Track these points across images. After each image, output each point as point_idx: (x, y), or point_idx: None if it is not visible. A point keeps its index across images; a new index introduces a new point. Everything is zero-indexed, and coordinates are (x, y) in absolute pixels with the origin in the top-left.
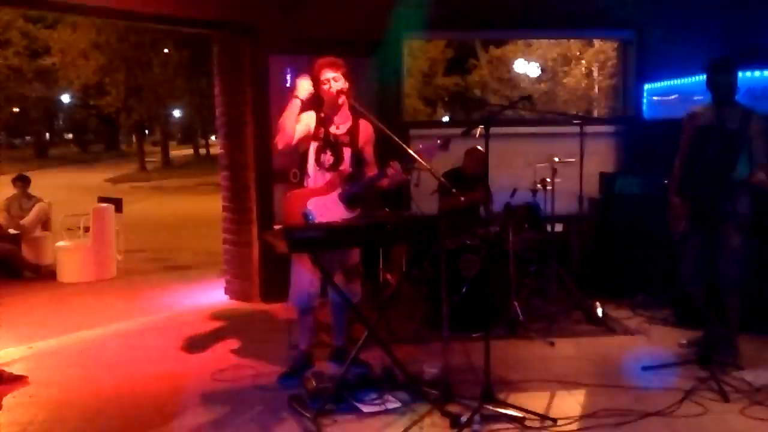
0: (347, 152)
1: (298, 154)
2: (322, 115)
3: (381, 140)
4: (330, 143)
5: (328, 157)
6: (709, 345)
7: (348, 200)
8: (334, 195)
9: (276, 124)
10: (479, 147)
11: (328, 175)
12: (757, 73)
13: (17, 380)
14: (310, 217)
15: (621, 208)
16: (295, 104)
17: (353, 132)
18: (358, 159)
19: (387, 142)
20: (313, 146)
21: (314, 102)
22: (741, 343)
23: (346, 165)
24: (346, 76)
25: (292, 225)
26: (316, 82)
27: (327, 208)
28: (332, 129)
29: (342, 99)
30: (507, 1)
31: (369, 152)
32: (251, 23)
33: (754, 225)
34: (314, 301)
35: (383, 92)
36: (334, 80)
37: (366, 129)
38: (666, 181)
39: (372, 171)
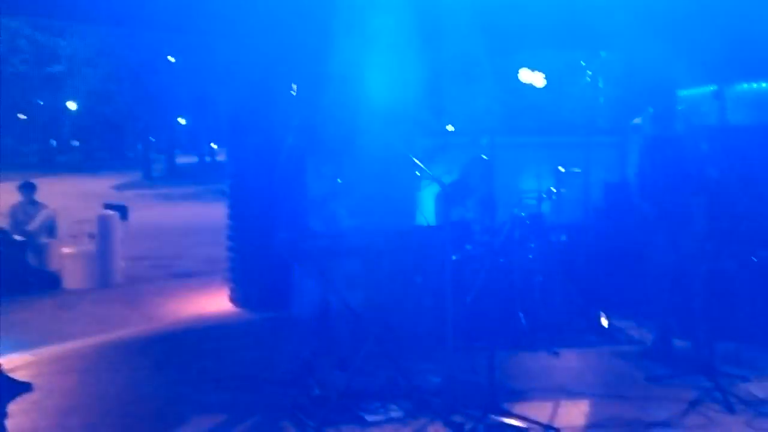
0: (348, 161)
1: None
2: None
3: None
4: (328, 155)
5: (328, 169)
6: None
7: (352, 209)
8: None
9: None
10: (482, 156)
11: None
12: (763, 85)
13: (22, 387)
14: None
15: (625, 218)
16: None
17: (350, 140)
18: (359, 167)
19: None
20: (311, 162)
21: None
22: (747, 354)
23: (348, 173)
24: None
25: (298, 234)
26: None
27: (332, 216)
28: (328, 140)
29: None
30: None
31: (368, 161)
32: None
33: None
34: (316, 309)
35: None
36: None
37: (366, 138)
38: None
39: None
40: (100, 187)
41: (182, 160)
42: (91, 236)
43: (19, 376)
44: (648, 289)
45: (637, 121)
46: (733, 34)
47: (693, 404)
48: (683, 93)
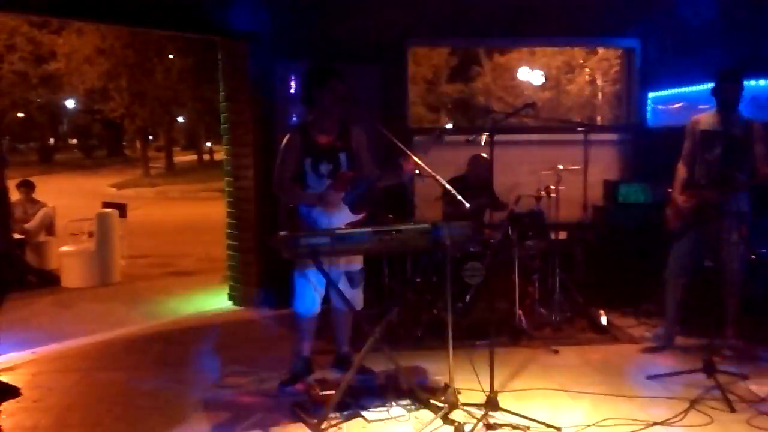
0: (343, 156)
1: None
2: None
3: (384, 144)
4: (324, 152)
5: (325, 166)
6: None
7: (352, 203)
8: (338, 199)
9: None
10: (483, 154)
11: (329, 182)
12: (762, 82)
13: (8, 391)
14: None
15: (625, 216)
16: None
17: (344, 137)
18: (354, 162)
19: (390, 146)
20: (308, 162)
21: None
22: (748, 354)
23: (344, 168)
24: (346, 85)
25: (297, 231)
26: (319, 89)
27: (332, 214)
28: (322, 138)
29: (340, 107)
30: (512, 9)
31: (365, 157)
32: (257, 29)
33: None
34: (316, 308)
35: (388, 99)
36: (338, 89)
37: (359, 135)
38: (669, 190)
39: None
40: (99, 185)
41: (181, 158)
42: (90, 234)
43: (19, 374)
44: (648, 287)
45: (698, 115)
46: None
47: (694, 403)
48: None
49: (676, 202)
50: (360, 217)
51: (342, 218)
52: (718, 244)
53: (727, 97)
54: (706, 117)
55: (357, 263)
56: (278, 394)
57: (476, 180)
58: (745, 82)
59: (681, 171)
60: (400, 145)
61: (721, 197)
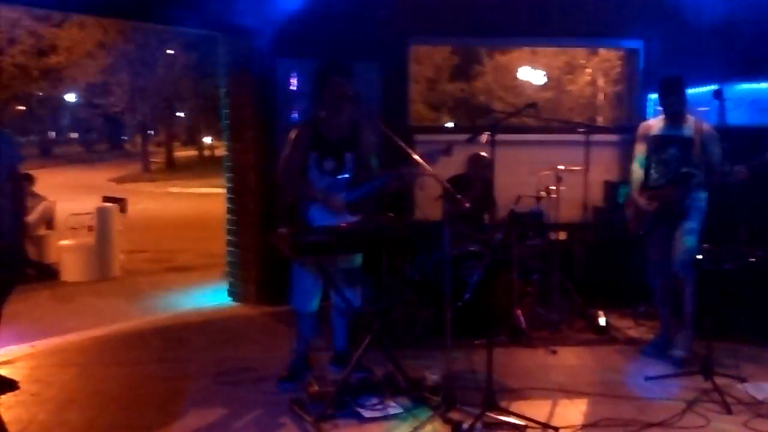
0: (349, 156)
1: (295, 168)
2: (322, 118)
3: (386, 145)
4: (331, 150)
5: (329, 163)
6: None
7: (352, 205)
8: (342, 204)
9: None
10: (482, 153)
11: (329, 179)
12: (763, 85)
13: (7, 384)
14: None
15: (625, 217)
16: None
17: (353, 136)
18: (360, 163)
19: (392, 146)
20: (313, 156)
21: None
22: (745, 355)
23: (348, 169)
24: (352, 81)
25: (297, 228)
26: (324, 85)
27: (329, 213)
28: (331, 134)
29: (346, 104)
30: (514, 9)
31: (371, 159)
32: (258, 26)
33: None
34: (315, 305)
35: (389, 97)
36: (342, 85)
37: (367, 136)
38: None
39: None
40: (99, 179)
41: (181, 153)
42: (89, 228)
43: (17, 367)
44: (647, 288)
45: (649, 121)
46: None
47: (691, 404)
48: None
49: (638, 204)
50: (357, 218)
51: (340, 218)
52: (677, 240)
53: (670, 108)
54: (657, 122)
55: (356, 262)
56: (277, 391)
57: (475, 178)
58: (747, 85)
59: (638, 173)
60: (401, 144)
61: (682, 195)
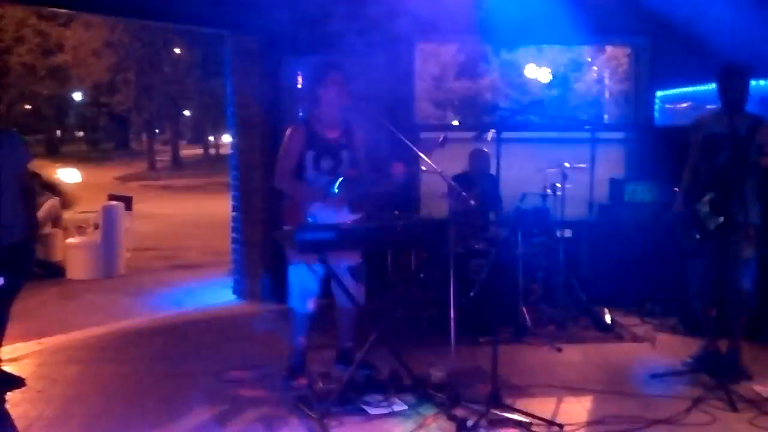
0: (345, 154)
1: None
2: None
3: (389, 140)
4: (327, 148)
5: (327, 162)
6: (712, 359)
7: (352, 203)
8: (341, 199)
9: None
10: (483, 148)
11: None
12: None
13: (13, 381)
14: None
15: (631, 215)
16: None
17: (349, 134)
18: (356, 161)
19: (395, 141)
20: (310, 155)
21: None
22: (750, 354)
23: (345, 167)
24: (348, 81)
25: (302, 226)
26: (320, 83)
27: (331, 211)
28: (326, 133)
29: (343, 102)
30: (521, 7)
31: (363, 156)
32: (265, 24)
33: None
34: (311, 306)
35: (395, 95)
36: (338, 83)
37: (360, 133)
38: (676, 189)
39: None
40: (105, 177)
41: (187, 151)
42: (95, 227)
43: (24, 364)
44: (653, 286)
45: (702, 118)
46: None
47: (696, 402)
48: None
49: (685, 218)
50: (358, 216)
51: (341, 216)
52: (728, 259)
53: (730, 96)
54: (710, 119)
55: (359, 258)
56: (281, 388)
57: (478, 174)
58: (755, 83)
59: (687, 181)
60: (406, 141)
61: (728, 208)
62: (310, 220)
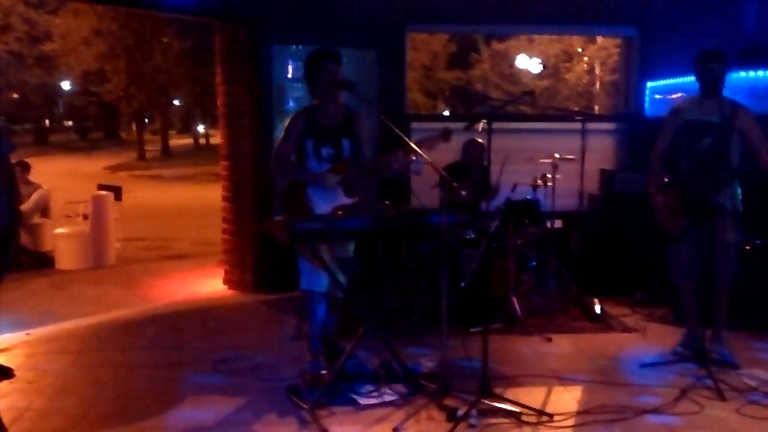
0: (346, 142)
1: (286, 156)
2: (316, 105)
3: (382, 132)
4: (327, 136)
5: (327, 150)
6: (696, 345)
7: (348, 186)
8: (334, 182)
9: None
10: (478, 139)
11: (328, 167)
12: (760, 73)
13: (2, 372)
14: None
15: (621, 206)
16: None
17: (349, 122)
18: (356, 148)
19: (388, 133)
20: (310, 143)
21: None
22: (738, 343)
23: (346, 154)
24: (342, 68)
25: (293, 216)
26: (315, 72)
27: (326, 194)
28: (327, 121)
29: (339, 91)
30: None
31: (365, 145)
32: (254, 12)
33: (749, 222)
34: (326, 283)
35: (385, 85)
36: (334, 72)
37: (361, 121)
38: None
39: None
40: (94, 167)
41: (176, 141)
42: (84, 217)
43: (13, 355)
44: (643, 276)
45: (679, 104)
46: None
47: (685, 391)
48: None
49: (666, 204)
50: (353, 201)
51: (335, 200)
52: (711, 244)
53: (708, 79)
54: (687, 105)
55: (348, 251)
56: (273, 378)
57: (471, 164)
58: (744, 73)
59: (657, 166)
60: (398, 131)
61: (712, 192)
62: (307, 204)
